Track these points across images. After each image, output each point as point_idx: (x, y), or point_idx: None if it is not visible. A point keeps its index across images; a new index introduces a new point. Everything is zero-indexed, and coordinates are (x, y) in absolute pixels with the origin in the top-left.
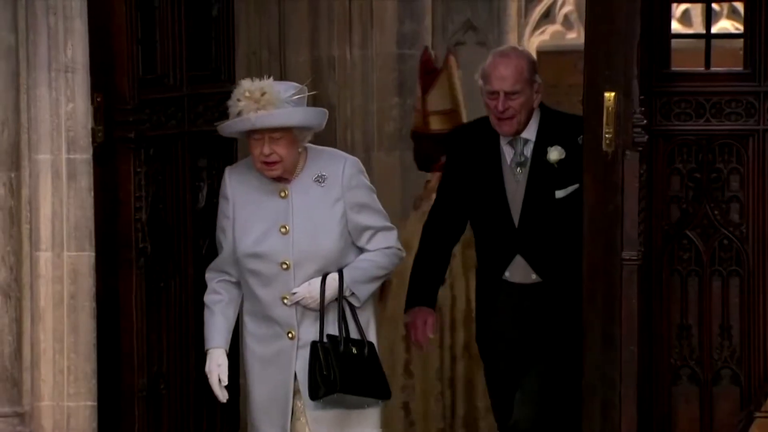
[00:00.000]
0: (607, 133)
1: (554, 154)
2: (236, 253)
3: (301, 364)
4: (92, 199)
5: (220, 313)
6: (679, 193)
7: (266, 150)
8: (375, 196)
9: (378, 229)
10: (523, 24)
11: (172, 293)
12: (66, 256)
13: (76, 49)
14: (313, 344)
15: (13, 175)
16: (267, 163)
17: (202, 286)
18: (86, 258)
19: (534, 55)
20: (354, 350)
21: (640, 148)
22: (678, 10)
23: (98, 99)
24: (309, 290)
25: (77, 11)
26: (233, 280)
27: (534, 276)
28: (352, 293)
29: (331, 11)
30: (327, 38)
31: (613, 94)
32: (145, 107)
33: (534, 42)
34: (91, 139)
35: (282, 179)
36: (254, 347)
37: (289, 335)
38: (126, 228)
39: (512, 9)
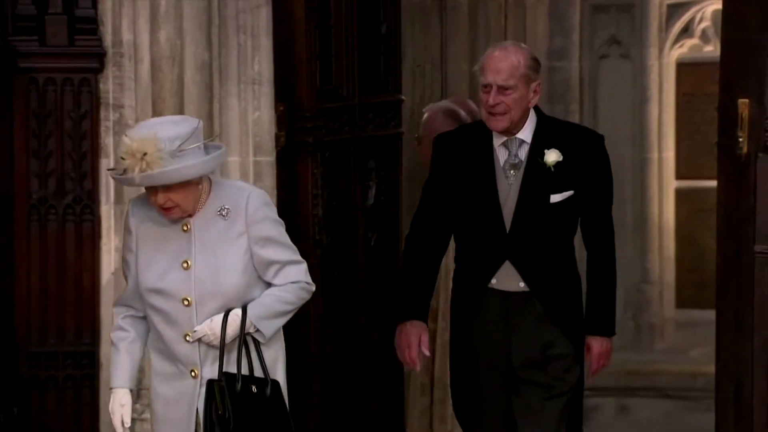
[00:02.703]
0: (741, 137)
1: (552, 156)
2: (139, 289)
3: (203, 403)
4: (275, 197)
5: (125, 351)
6: None
7: (160, 200)
8: (283, 229)
9: (284, 264)
10: (664, 38)
11: (344, 281)
12: None
13: (263, 63)
14: (209, 383)
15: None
16: (164, 209)
17: (372, 275)
18: None
19: (673, 66)
20: (254, 389)
21: None
22: None
23: (281, 108)
24: (210, 327)
25: (264, 30)
26: (139, 314)
27: (522, 284)
28: (257, 329)
29: (488, 27)
30: (484, 52)
31: (746, 101)
32: (322, 115)
33: (674, 54)
34: (274, 144)
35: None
36: (158, 387)
37: (192, 374)
38: (304, 222)
39: (654, 24)
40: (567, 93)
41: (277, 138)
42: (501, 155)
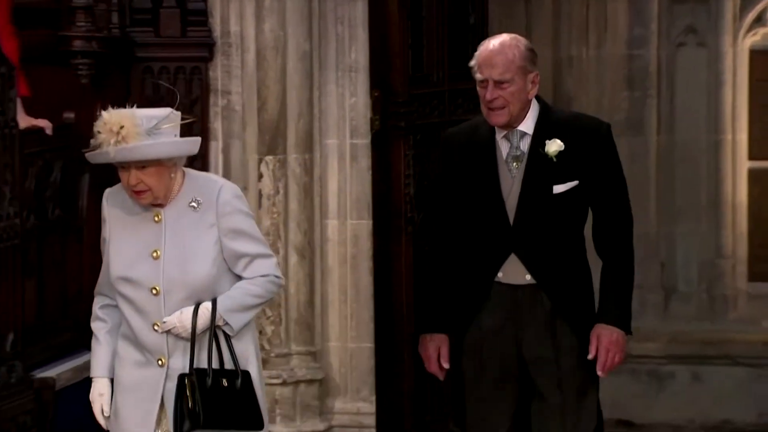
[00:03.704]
0: None
1: (553, 146)
2: (109, 277)
3: (169, 392)
4: (370, 177)
5: (104, 341)
6: None
7: (132, 180)
8: (253, 222)
9: (254, 257)
10: (738, 27)
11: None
12: (349, 223)
13: (359, 52)
14: (181, 377)
15: (307, 157)
16: (136, 192)
17: None
18: (365, 225)
19: (746, 53)
20: (224, 382)
21: None
22: None
23: (376, 94)
24: (180, 319)
25: (360, 21)
26: (114, 303)
27: (528, 277)
28: (226, 323)
29: (571, 17)
30: (567, 41)
31: None
32: (414, 101)
33: (747, 42)
34: (369, 127)
35: (157, 203)
36: (120, 373)
37: (159, 362)
38: (397, 200)
39: (728, 14)
40: (645, 79)
41: (372, 122)
42: (503, 148)
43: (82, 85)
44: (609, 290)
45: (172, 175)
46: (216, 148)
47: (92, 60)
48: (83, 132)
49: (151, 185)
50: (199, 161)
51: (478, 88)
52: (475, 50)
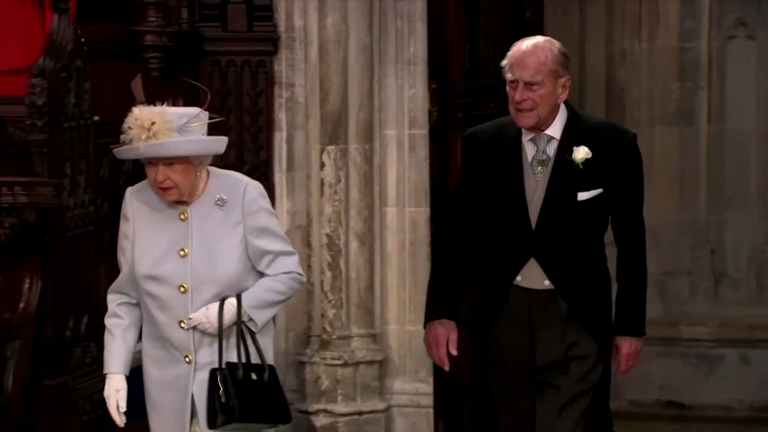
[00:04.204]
0: None
1: (580, 153)
2: (134, 275)
3: (198, 387)
4: (428, 166)
5: (120, 337)
6: None
7: (160, 177)
8: (276, 220)
9: (278, 254)
10: None
11: None
12: (407, 211)
13: (418, 46)
14: (212, 372)
15: (367, 147)
16: (162, 189)
17: None
18: (423, 213)
19: None
20: (253, 376)
21: None
22: None
23: (434, 86)
24: (206, 315)
25: (419, 15)
26: (133, 301)
27: (547, 282)
28: (251, 318)
29: (624, 12)
30: (620, 34)
31: None
32: (471, 92)
33: None
34: (427, 118)
35: (182, 202)
36: (152, 372)
37: (187, 359)
38: (454, 189)
39: None
40: (697, 71)
41: (430, 113)
42: (529, 151)
43: (153, 78)
44: (625, 300)
45: (198, 173)
46: (280, 138)
47: (163, 54)
48: None
49: (178, 182)
50: (265, 151)
51: (507, 89)
52: None
